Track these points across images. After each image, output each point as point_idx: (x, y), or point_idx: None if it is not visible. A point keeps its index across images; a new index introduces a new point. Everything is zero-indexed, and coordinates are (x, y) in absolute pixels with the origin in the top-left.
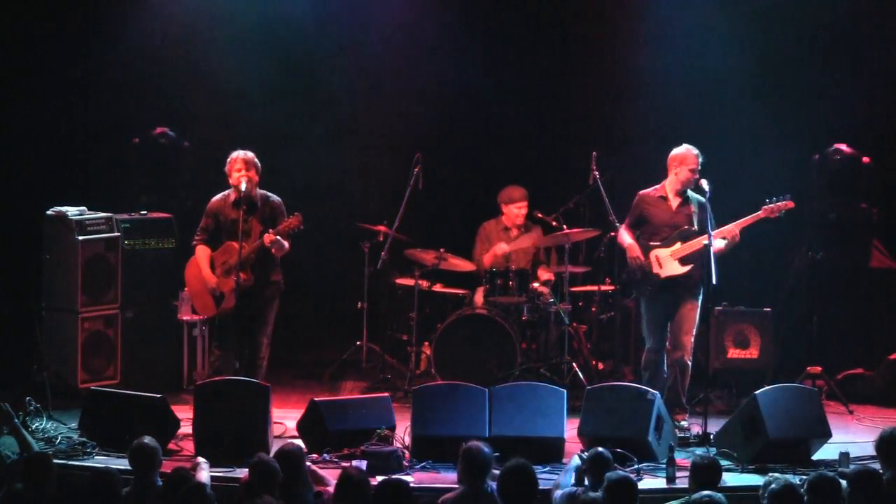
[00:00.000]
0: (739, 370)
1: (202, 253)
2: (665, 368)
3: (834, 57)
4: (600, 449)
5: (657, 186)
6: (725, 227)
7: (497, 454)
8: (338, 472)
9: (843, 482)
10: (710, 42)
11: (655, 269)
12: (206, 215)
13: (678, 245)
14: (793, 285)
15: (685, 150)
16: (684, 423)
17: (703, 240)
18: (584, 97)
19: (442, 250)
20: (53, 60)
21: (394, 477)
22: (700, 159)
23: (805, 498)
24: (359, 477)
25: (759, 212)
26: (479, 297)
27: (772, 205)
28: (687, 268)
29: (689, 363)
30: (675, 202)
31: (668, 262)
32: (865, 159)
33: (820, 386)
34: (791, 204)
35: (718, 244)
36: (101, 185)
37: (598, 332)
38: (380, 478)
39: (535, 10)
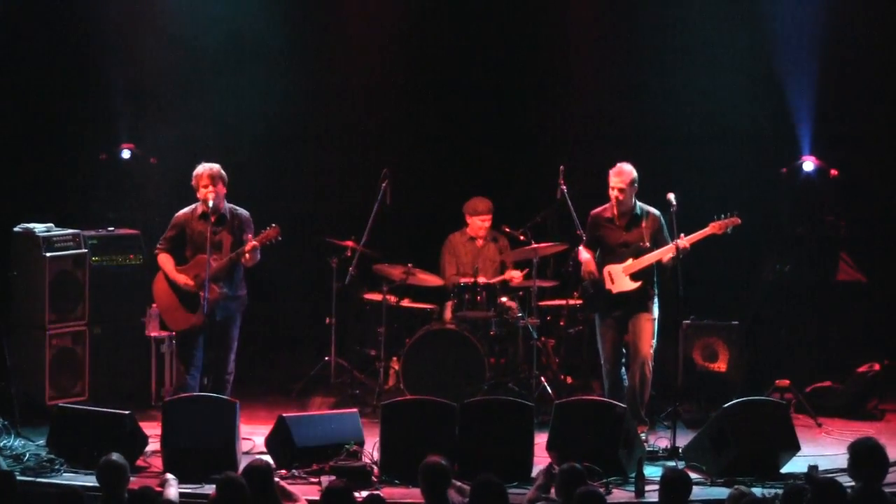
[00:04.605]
0: (708, 383)
1: (167, 261)
2: (624, 381)
3: (801, 70)
4: (574, 464)
5: (606, 206)
6: (673, 242)
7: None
8: (306, 487)
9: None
10: (678, 54)
11: (608, 285)
12: (172, 227)
13: (630, 261)
14: (761, 298)
15: (610, 172)
16: (642, 436)
17: (657, 256)
18: (552, 110)
19: (410, 265)
20: (19, 77)
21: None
22: (624, 179)
23: None
24: (342, 489)
25: (707, 228)
26: (447, 312)
27: (719, 221)
28: (637, 283)
29: (649, 375)
30: (621, 221)
31: (620, 277)
32: (833, 172)
33: (788, 399)
34: (738, 221)
35: (667, 256)
36: (68, 201)
37: (567, 346)
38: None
39: (504, 22)
